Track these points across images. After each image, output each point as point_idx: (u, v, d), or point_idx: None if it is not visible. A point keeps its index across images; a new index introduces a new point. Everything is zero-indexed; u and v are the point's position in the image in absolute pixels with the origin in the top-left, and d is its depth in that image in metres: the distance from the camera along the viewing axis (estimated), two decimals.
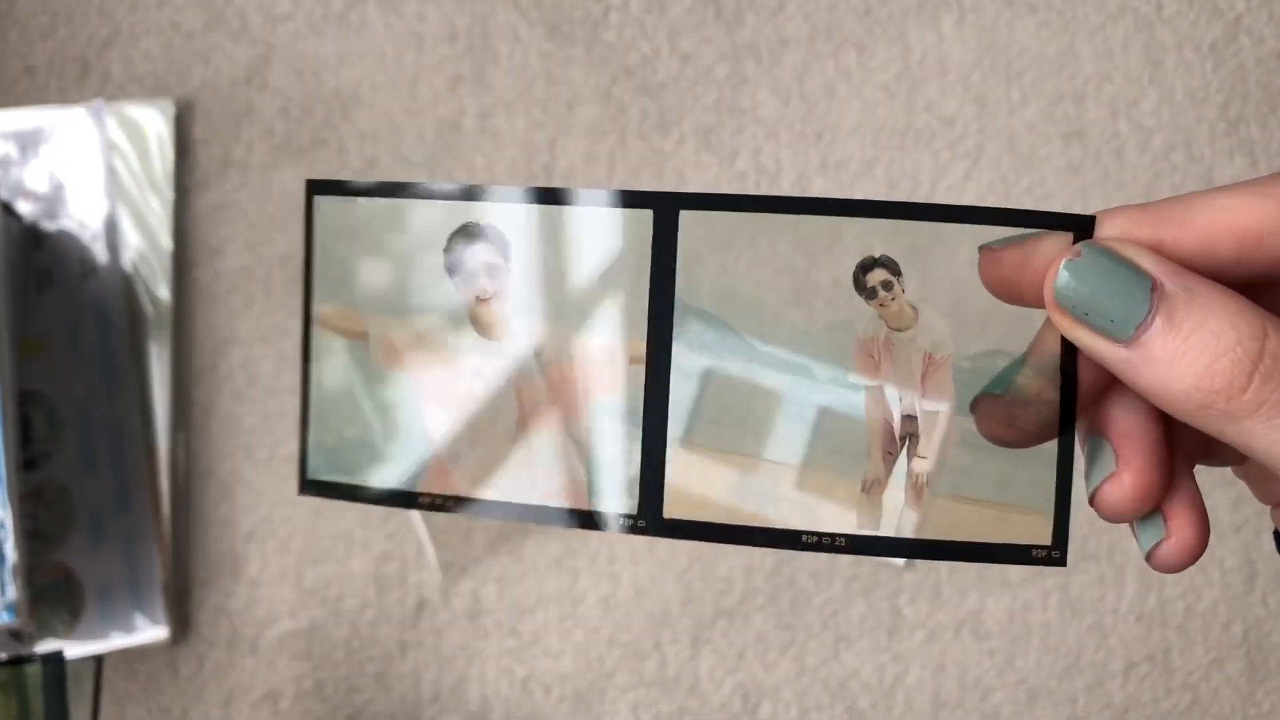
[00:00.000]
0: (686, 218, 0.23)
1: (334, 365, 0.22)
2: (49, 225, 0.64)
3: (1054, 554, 0.22)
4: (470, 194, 0.22)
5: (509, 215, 0.24)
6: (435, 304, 0.23)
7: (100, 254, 0.63)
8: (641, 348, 0.23)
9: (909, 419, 0.22)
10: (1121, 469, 0.22)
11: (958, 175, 0.66)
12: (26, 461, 0.60)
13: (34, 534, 0.60)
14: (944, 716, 0.61)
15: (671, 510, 0.22)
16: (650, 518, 0.22)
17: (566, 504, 0.21)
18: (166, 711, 0.61)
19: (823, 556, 0.62)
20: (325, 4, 0.69)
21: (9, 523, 0.54)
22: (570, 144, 0.67)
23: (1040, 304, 0.22)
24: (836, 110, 0.67)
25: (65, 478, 0.61)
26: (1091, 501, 0.23)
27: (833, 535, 0.22)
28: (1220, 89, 0.68)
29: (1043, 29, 0.69)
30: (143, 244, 0.64)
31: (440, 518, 0.62)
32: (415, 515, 0.62)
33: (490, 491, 0.22)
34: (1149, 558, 0.23)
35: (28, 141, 0.65)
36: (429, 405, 0.22)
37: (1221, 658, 0.62)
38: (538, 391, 0.23)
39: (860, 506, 0.21)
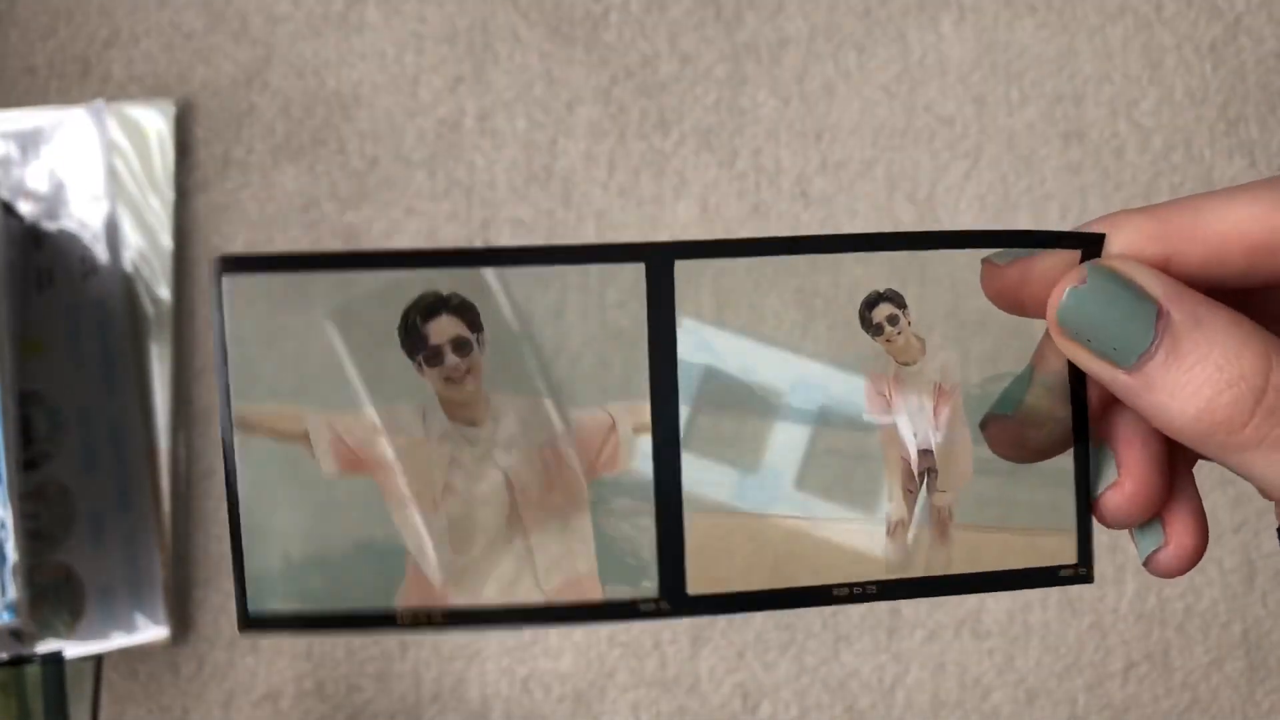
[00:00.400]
0: (682, 268, 0.21)
1: (269, 475, 0.18)
2: (49, 225, 0.64)
3: (1081, 571, 0.22)
4: (421, 260, 0.17)
5: (472, 281, 0.19)
6: (394, 390, 0.19)
7: (101, 254, 0.64)
8: (645, 414, 0.20)
9: (925, 454, 0.21)
10: (1124, 477, 0.22)
11: (957, 175, 0.66)
12: (27, 461, 0.60)
13: (35, 534, 0.60)
14: (944, 716, 0.61)
15: (696, 586, 0.20)
16: (673, 597, 0.20)
17: (576, 599, 0.19)
18: (167, 711, 0.61)
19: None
20: (325, 4, 0.69)
21: (10, 522, 0.54)
22: (570, 144, 0.67)
23: (1043, 315, 0.22)
24: (836, 110, 0.67)
25: (66, 477, 0.61)
26: (1093, 509, 0.23)
27: (863, 585, 0.21)
28: (1220, 89, 0.68)
29: (1042, 29, 0.69)
30: (143, 244, 0.64)
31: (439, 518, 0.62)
32: (416, 514, 0.62)
33: (485, 597, 0.19)
34: (1147, 563, 0.23)
35: (28, 142, 0.65)
36: (397, 508, 0.19)
37: (1221, 657, 0.62)
38: (529, 477, 0.20)
39: (887, 553, 0.20)
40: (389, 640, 0.61)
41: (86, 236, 0.64)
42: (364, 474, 0.19)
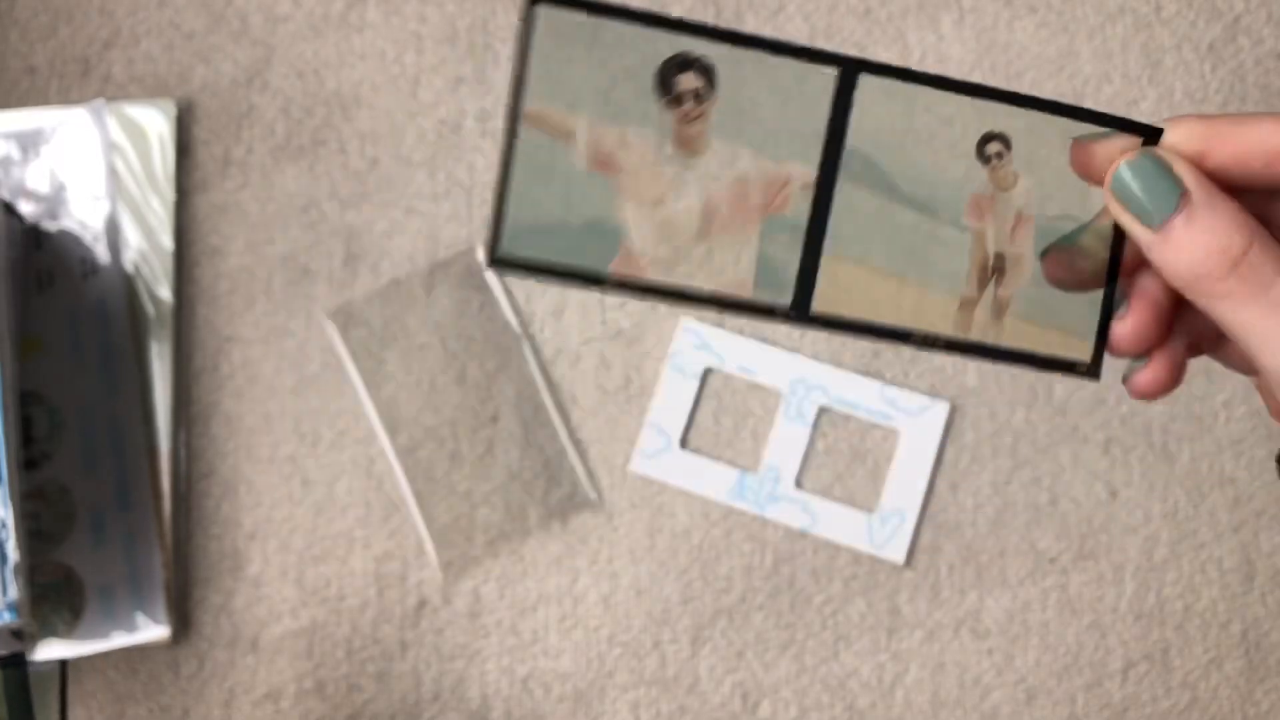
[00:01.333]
0: (865, 80, 0.28)
1: (537, 156, 0.26)
2: (50, 225, 0.64)
3: (1092, 369, 0.30)
4: (688, 28, 0.26)
5: (718, 51, 0.27)
6: (643, 119, 0.27)
7: (101, 254, 0.64)
8: (812, 175, 0.28)
9: (999, 256, 0.29)
10: (1129, 313, 0.29)
11: (956, 176, 0.67)
12: (27, 461, 0.61)
13: (35, 533, 0.60)
14: (943, 716, 0.61)
15: (818, 307, 0.28)
16: (799, 310, 0.28)
17: (735, 293, 0.28)
18: (167, 710, 0.61)
19: (822, 555, 0.62)
20: (326, 5, 0.69)
21: (10, 522, 0.54)
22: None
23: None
24: None
25: (66, 477, 0.61)
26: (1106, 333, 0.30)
27: (935, 336, 0.29)
28: (1219, 89, 0.68)
29: (1042, 29, 0.69)
30: (144, 244, 0.64)
31: (440, 518, 0.62)
32: (416, 514, 0.62)
33: (672, 279, 0.27)
34: (1126, 381, 0.30)
35: (29, 142, 0.65)
36: (624, 204, 0.27)
37: (1220, 657, 0.62)
38: (722, 202, 0.28)
39: (956, 318, 0.29)
40: (390, 639, 0.61)
41: (87, 236, 0.64)
42: (606, 173, 0.27)
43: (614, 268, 0.27)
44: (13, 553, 0.54)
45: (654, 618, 0.62)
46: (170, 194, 0.65)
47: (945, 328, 0.29)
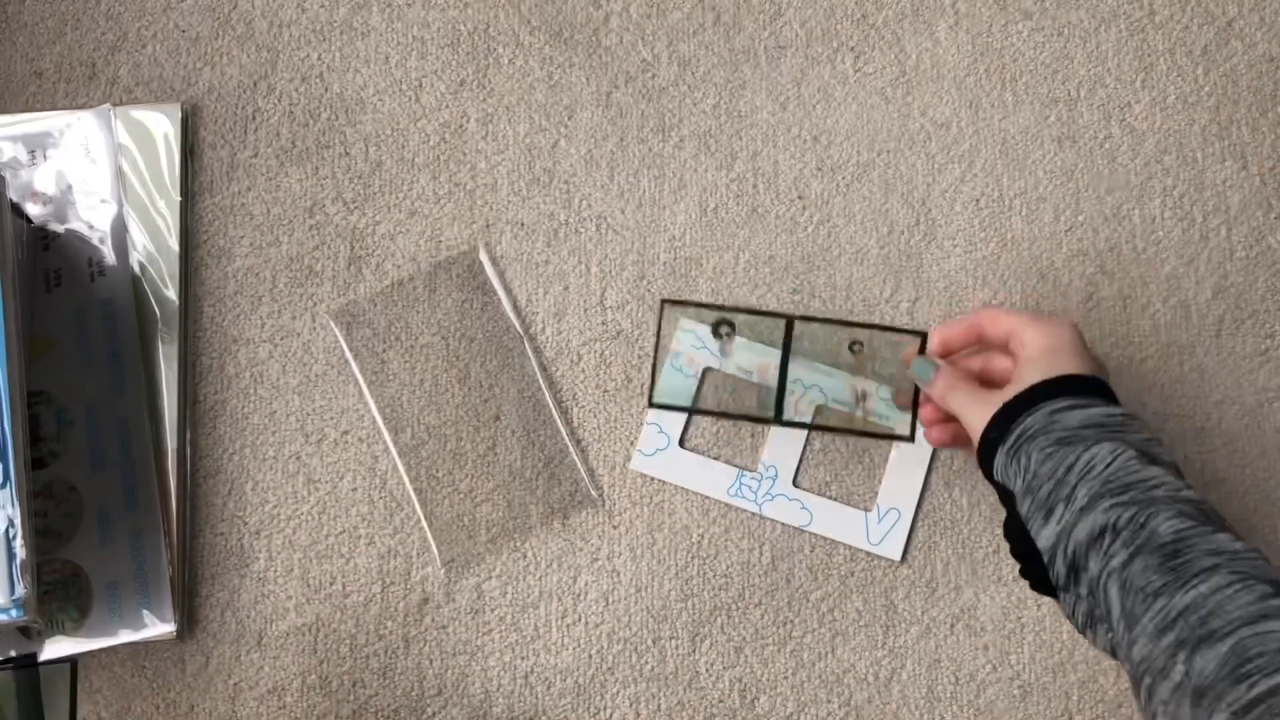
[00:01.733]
0: (799, 323, 0.61)
1: (666, 362, 0.63)
2: (58, 227, 0.64)
3: (910, 438, 0.61)
4: (728, 321, 0.63)
5: (737, 317, 0.63)
6: (707, 344, 0.64)
7: (108, 255, 0.64)
8: (778, 360, 0.61)
9: (864, 392, 0.63)
10: (923, 410, 0.59)
11: (952, 178, 0.67)
12: (35, 460, 0.61)
13: (43, 531, 0.60)
14: (939, 711, 0.61)
15: (785, 417, 0.62)
16: (778, 417, 0.61)
17: (748, 413, 0.63)
18: (173, 706, 0.62)
19: (819, 553, 0.63)
20: (330, 10, 0.70)
21: (19, 521, 0.55)
22: (571, 147, 0.68)
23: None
24: (833, 114, 0.68)
25: (74, 476, 0.61)
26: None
27: (833, 426, 0.63)
28: (1212, 93, 0.69)
29: (1036, 34, 0.69)
30: (150, 245, 0.65)
31: (443, 516, 0.63)
32: (419, 511, 0.63)
33: (722, 409, 0.64)
34: (925, 435, 0.60)
35: (37, 145, 0.66)
36: (702, 376, 0.64)
37: None
38: (743, 374, 0.64)
39: (845, 417, 0.63)
40: (393, 635, 0.62)
41: (94, 238, 0.64)
42: (692, 368, 0.65)
43: (698, 404, 0.64)
44: (20, 551, 0.54)
45: (653, 614, 0.62)
46: (176, 196, 0.66)
47: (840, 422, 0.62)
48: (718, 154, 0.68)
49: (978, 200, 0.67)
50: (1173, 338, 0.65)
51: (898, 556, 0.62)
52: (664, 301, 0.62)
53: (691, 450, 0.64)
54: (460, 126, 0.68)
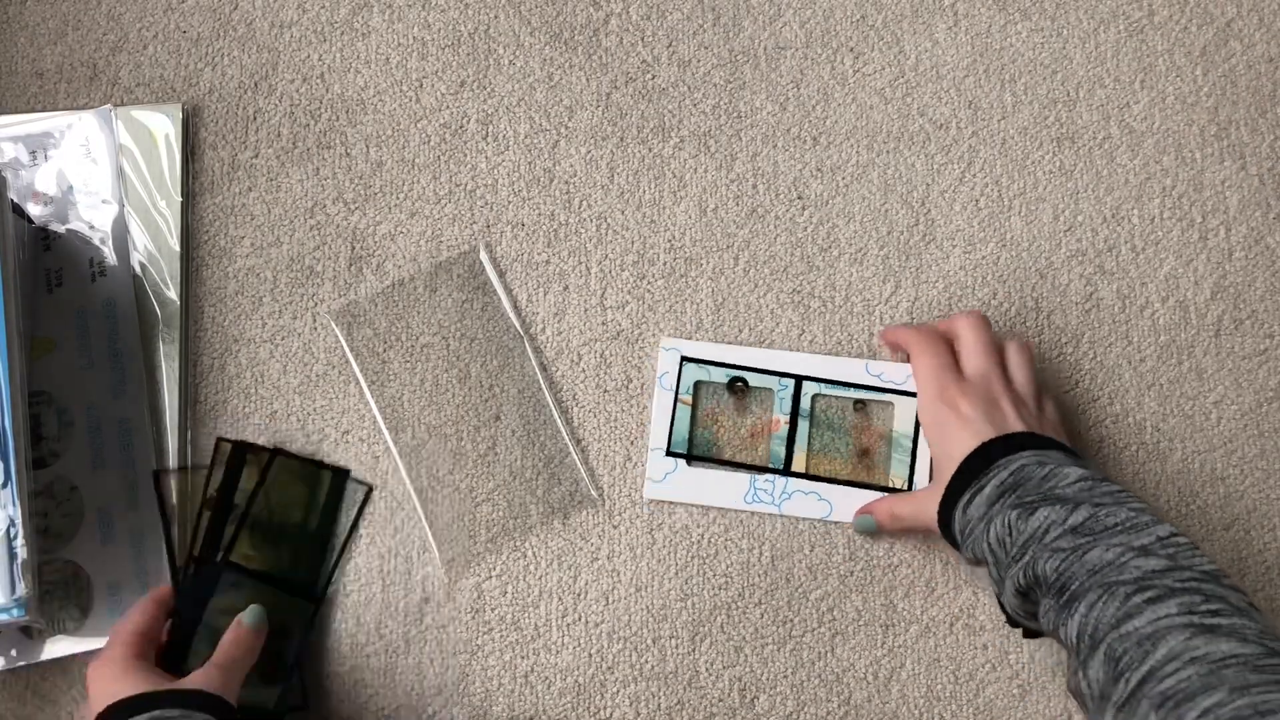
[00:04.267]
0: (806, 383, 0.64)
1: (684, 414, 0.65)
2: (59, 227, 0.65)
3: (909, 487, 0.65)
4: (742, 371, 0.65)
5: (751, 377, 0.65)
6: (723, 401, 0.65)
7: (109, 256, 0.64)
8: (786, 419, 0.64)
9: (866, 450, 0.65)
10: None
11: (951, 179, 0.67)
12: (36, 460, 0.61)
13: (43, 531, 0.60)
14: (938, 710, 0.61)
15: (794, 469, 0.63)
16: (785, 470, 0.63)
17: (758, 464, 0.64)
18: None
19: (819, 552, 0.63)
20: (331, 10, 0.70)
21: (20, 521, 0.55)
22: (571, 148, 0.68)
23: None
24: (832, 115, 0.68)
25: (75, 476, 0.61)
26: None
27: (839, 479, 0.64)
28: (1210, 93, 0.69)
29: (1035, 34, 0.70)
30: (151, 246, 0.65)
31: (443, 515, 0.63)
32: (419, 511, 0.63)
33: (735, 458, 0.64)
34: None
35: (38, 145, 0.66)
36: (718, 430, 0.65)
37: None
38: (752, 429, 0.65)
39: (849, 472, 0.64)
40: (394, 635, 0.62)
41: (95, 238, 0.64)
42: (712, 423, 0.66)
43: (713, 454, 0.64)
44: (21, 550, 0.54)
45: (653, 613, 0.62)
46: (177, 197, 0.66)
47: (845, 474, 0.64)
48: (717, 154, 0.68)
49: (977, 200, 0.67)
50: (1171, 338, 0.66)
51: (925, 481, 0.63)
52: (683, 358, 0.64)
53: (701, 466, 0.64)
54: (460, 127, 0.68)
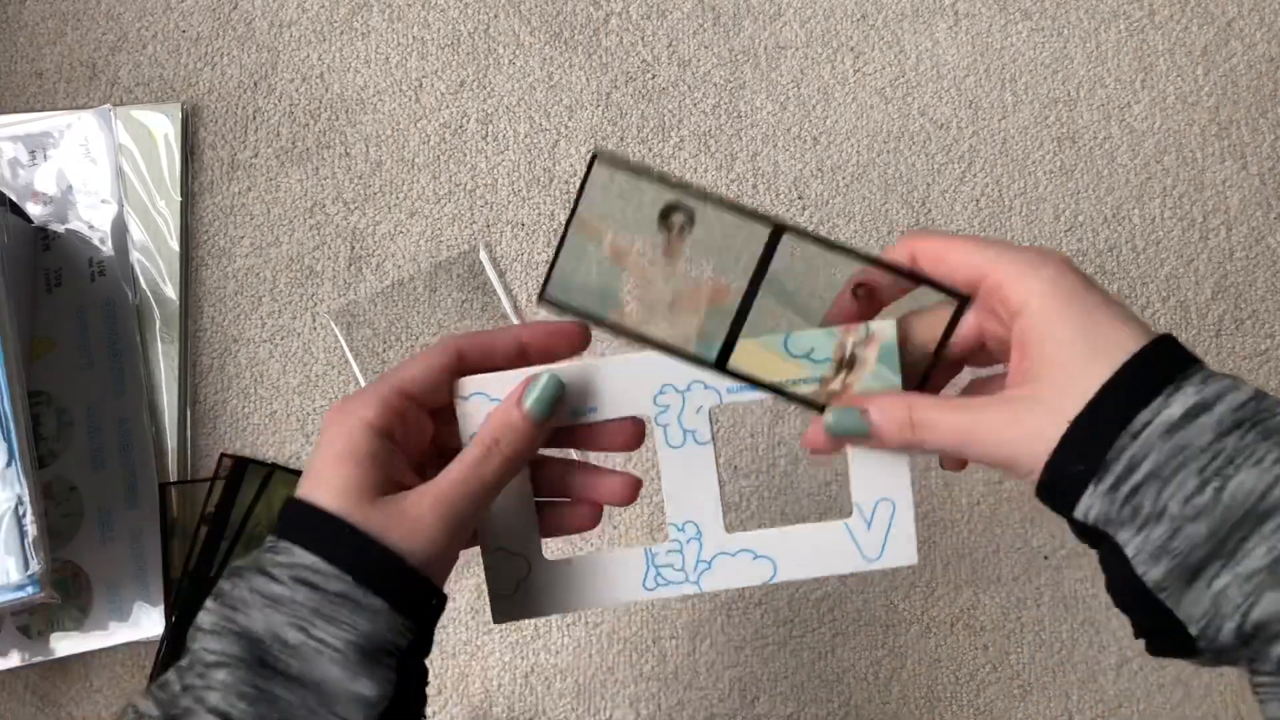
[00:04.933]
0: (786, 237, 0.40)
1: (580, 245, 0.41)
2: (58, 227, 0.65)
3: None
4: (687, 188, 0.40)
5: (700, 204, 0.40)
6: (648, 235, 0.41)
7: (109, 255, 0.64)
8: (743, 288, 0.41)
9: (853, 357, 0.41)
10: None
11: (952, 178, 0.67)
12: (36, 459, 0.61)
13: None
14: (939, 711, 0.61)
15: (732, 365, 0.41)
16: (720, 364, 0.41)
17: (679, 345, 0.41)
18: None
19: None
20: (330, 10, 0.70)
21: (28, 498, 0.54)
22: (571, 148, 0.68)
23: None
24: (833, 115, 0.68)
25: (74, 475, 0.62)
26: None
27: (799, 395, 0.42)
28: (1211, 93, 0.69)
29: (1035, 34, 0.70)
30: (151, 245, 0.65)
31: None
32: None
33: (643, 329, 0.41)
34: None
35: (37, 145, 0.66)
36: (627, 281, 0.41)
37: None
38: (685, 292, 0.41)
39: (816, 388, 0.42)
40: None
41: (95, 238, 0.64)
42: (619, 263, 0.41)
43: (611, 316, 0.42)
44: (32, 528, 0.54)
45: (654, 614, 0.62)
46: (177, 196, 0.66)
47: (808, 391, 0.42)
48: (718, 154, 0.68)
49: (977, 200, 0.67)
50: None
51: (914, 559, 0.42)
52: (595, 154, 0.40)
53: (563, 560, 0.45)
54: (460, 126, 0.68)
